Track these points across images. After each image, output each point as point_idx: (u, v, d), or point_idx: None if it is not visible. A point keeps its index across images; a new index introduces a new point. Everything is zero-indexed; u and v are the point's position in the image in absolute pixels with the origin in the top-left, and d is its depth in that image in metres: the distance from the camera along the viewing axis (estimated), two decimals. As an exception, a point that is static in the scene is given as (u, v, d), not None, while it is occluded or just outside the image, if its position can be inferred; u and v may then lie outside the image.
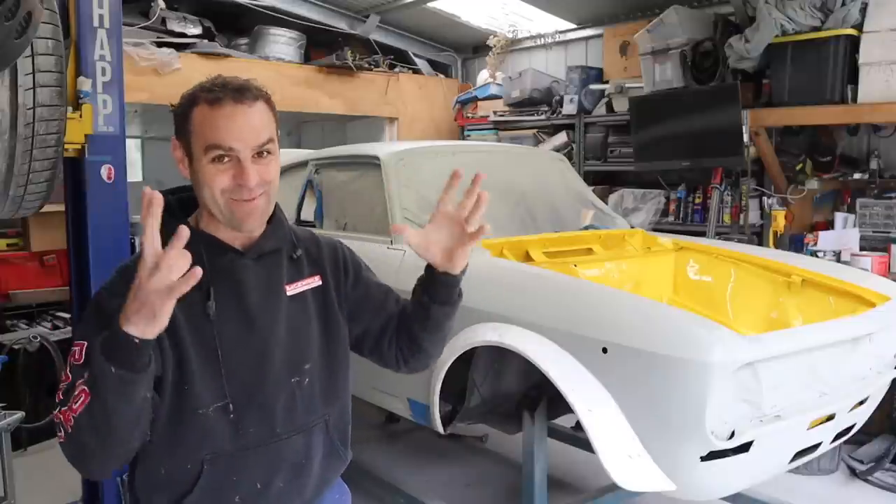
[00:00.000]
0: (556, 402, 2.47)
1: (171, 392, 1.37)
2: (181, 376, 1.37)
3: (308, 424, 1.51)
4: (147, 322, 1.15)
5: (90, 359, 1.21)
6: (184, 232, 1.14)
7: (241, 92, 1.37)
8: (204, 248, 1.39)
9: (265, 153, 1.39)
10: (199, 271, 1.13)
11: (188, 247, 1.18)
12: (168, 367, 1.36)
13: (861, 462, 3.85)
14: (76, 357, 1.27)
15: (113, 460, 1.30)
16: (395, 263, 2.94)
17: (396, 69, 6.69)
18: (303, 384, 1.50)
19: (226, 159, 1.35)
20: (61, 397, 1.26)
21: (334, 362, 1.57)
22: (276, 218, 1.51)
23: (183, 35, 5.43)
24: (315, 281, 1.56)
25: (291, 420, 1.49)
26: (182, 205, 1.50)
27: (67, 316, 4.65)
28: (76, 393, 1.21)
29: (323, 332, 1.55)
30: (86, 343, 1.27)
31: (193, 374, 1.37)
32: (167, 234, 1.16)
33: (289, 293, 1.50)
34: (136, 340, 1.15)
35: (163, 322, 1.16)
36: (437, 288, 1.50)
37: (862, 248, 4.21)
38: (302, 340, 1.51)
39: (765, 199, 4.76)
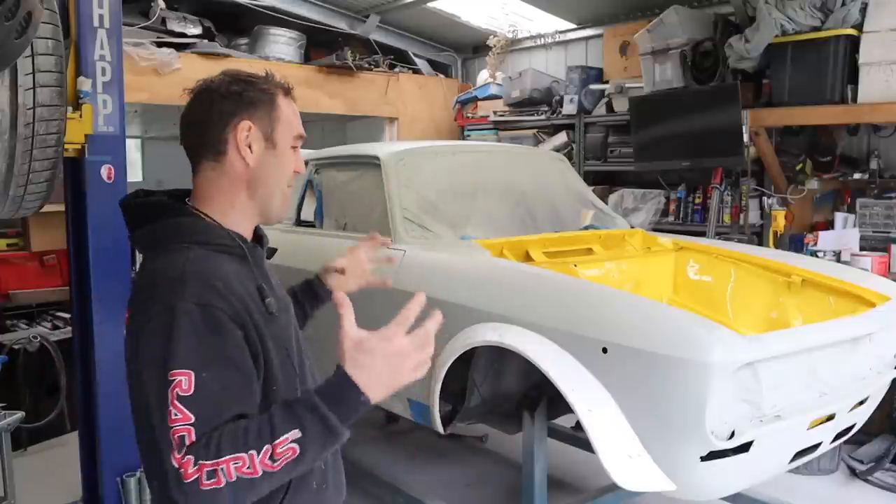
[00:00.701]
0: (556, 402, 2.47)
1: (259, 402, 1.28)
2: (268, 383, 1.31)
3: None
4: (389, 390, 1.18)
5: (311, 417, 1.14)
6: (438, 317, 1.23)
7: None
8: (243, 245, 1.38)
9: None
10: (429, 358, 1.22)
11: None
12: (259, 378, 1.30)
13: (861, 462, 3.85)
14: (184, 388, 1.16)
15: None
16: (394, 263, 2.94)
17: (396, 69, 6.68)
18: (312, 367, 1.51)
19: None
20: (200, 446, 1.12)
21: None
22: None
23: (183, 35, 5.43)
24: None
25: None
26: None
27: (67, 316, 4.65)
28: (282, 450, 1.13)
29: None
30: (193, 373, 1.16)
31: (276, 376, 1.32)
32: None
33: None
34: (368, 403, 1.18)
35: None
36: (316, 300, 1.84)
37: (862, 248, 4.22)
38: (299, 327, 1.55)
39: (765, 199, 4.76)
